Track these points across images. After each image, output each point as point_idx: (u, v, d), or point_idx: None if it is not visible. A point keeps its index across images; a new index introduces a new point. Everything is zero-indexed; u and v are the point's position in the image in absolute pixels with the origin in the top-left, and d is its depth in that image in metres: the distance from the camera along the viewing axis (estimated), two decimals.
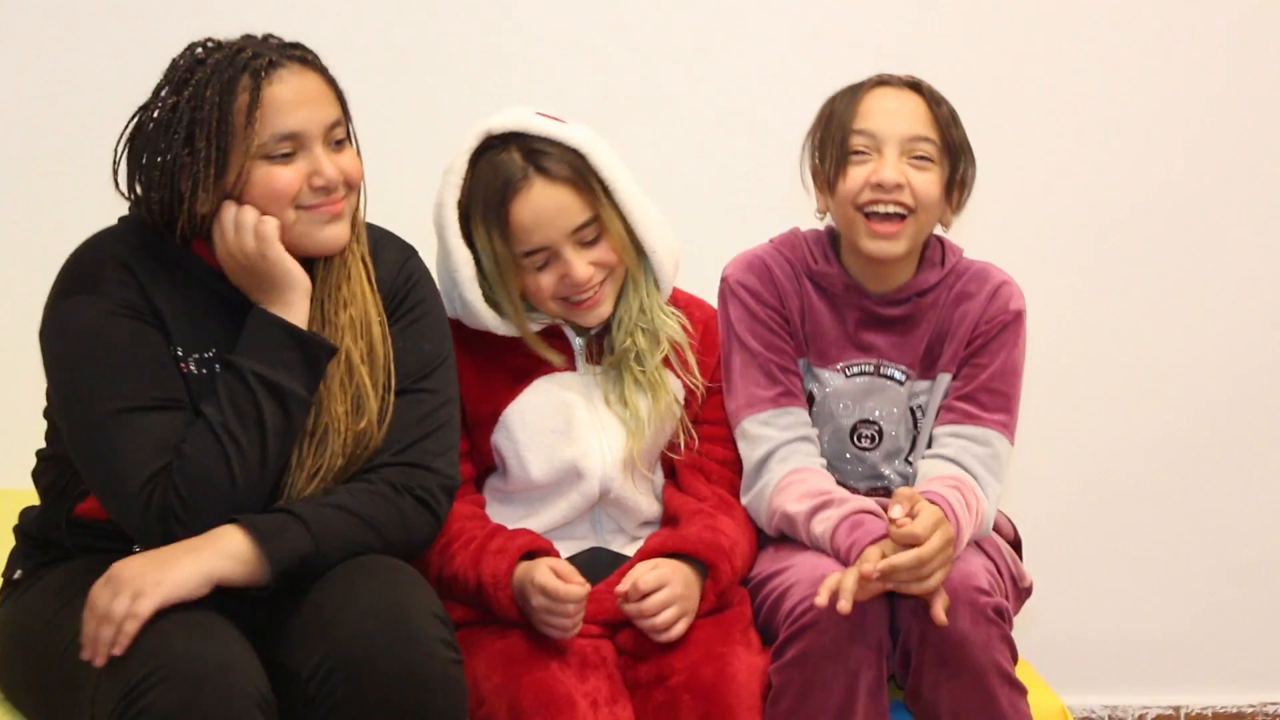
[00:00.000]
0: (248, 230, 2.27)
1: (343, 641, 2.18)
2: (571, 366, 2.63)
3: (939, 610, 2.36)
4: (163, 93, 2.29)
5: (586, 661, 2.43)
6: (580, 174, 2.51)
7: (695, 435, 2.65)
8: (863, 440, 2.67)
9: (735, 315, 2.67)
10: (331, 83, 2.35)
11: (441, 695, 2.20)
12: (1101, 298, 3.57)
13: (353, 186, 2.35)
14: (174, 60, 2.32)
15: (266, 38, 2.35)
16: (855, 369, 2.67)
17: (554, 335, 2.62)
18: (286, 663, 2.21)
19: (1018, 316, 2.67)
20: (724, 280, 2.71)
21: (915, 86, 2.64)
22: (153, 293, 2.30)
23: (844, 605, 2.33)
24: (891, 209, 2.58)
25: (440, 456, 2.39)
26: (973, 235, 2.84)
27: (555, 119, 2.56)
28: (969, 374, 2.64)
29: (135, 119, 2.31)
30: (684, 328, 2.63)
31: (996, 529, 2.69)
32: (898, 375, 2.66)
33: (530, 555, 2.47)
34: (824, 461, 2.64)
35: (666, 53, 3.42)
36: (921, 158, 2.59)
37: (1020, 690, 2.45)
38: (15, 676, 2.37)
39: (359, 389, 2.34)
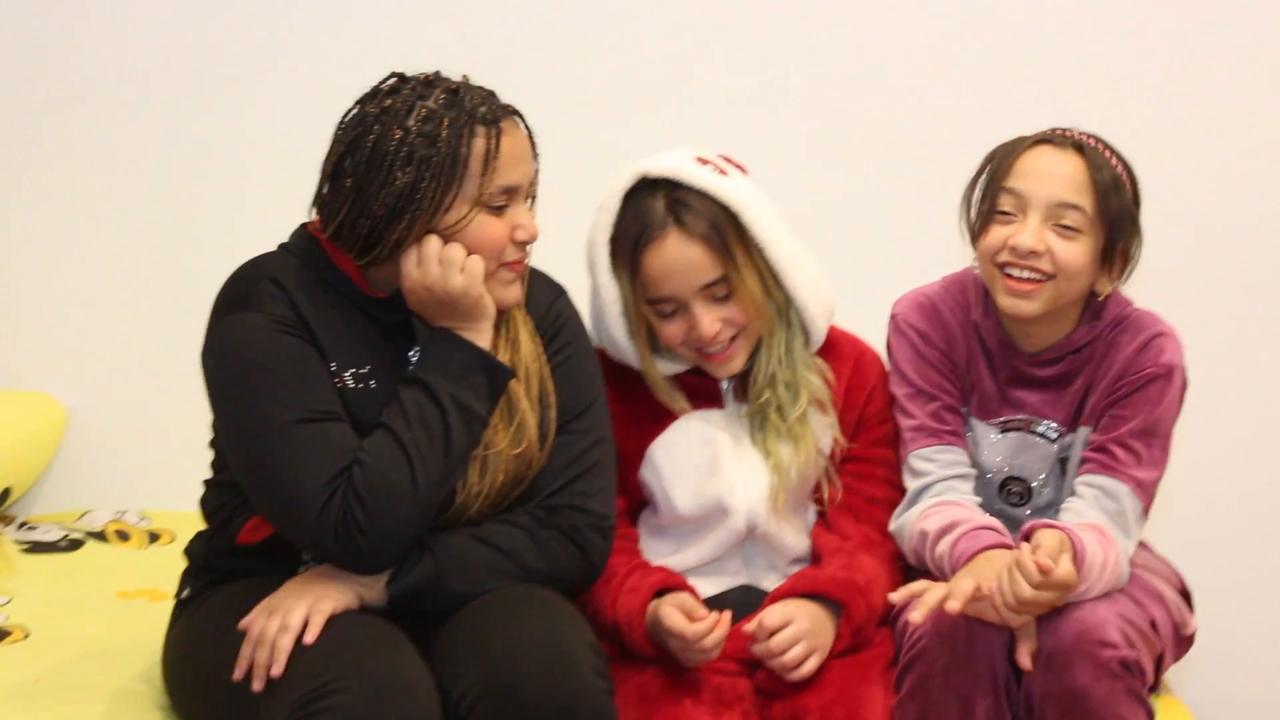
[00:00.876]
0: (455, 266, 2.31)
1: (496, 665, 2.23)
2: (719, 404, 2.63)
3: (1023, 655, 2.33)
4: (369, 125, 2.30)
5: (721, 699, 2.43)
6: (719, 232, 2.51)
7: (838, 483, 2.63)
8: (1011, 497, 2.61)
9: (903, 355, 2.63)
10: (533, 140, 2.40)
11: None
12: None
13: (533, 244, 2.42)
14: (377, 90, 2.35)
15: (468, 82, 2.37)
16: (1007, 425, 2.60)
17: (701, 372, 2.63)
18: (441, 683, 2.26)
19: (1169, 371, 2.53)
20: (893, 318, 2.67)
21: (1080, 147, 2.51)
22: (306, 311, 2.34)
23: (915, 616, 2.32)
24: (1027, 274, 2.51)
25: (593, 497, 2.43)
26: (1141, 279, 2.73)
27: (720, 166, 2.56)
28: (1108, 425, 2.53)
29: (345, 146, 2.32)
30: (826, 381, 2.62)
31: (1163, 575, 2.61)
32: (1049, 433, 2.58)
33: (665, 592, 2.48)
34: (978, 500, 2.59)
35: (843, 90, 3.44)
36: (1068, 226, 2.48)
37: None
38: (185, 689, 2.47)
39: (517, 412, 2.40)
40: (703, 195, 2.51)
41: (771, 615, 2.45)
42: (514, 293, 2.41)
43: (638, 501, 2.65)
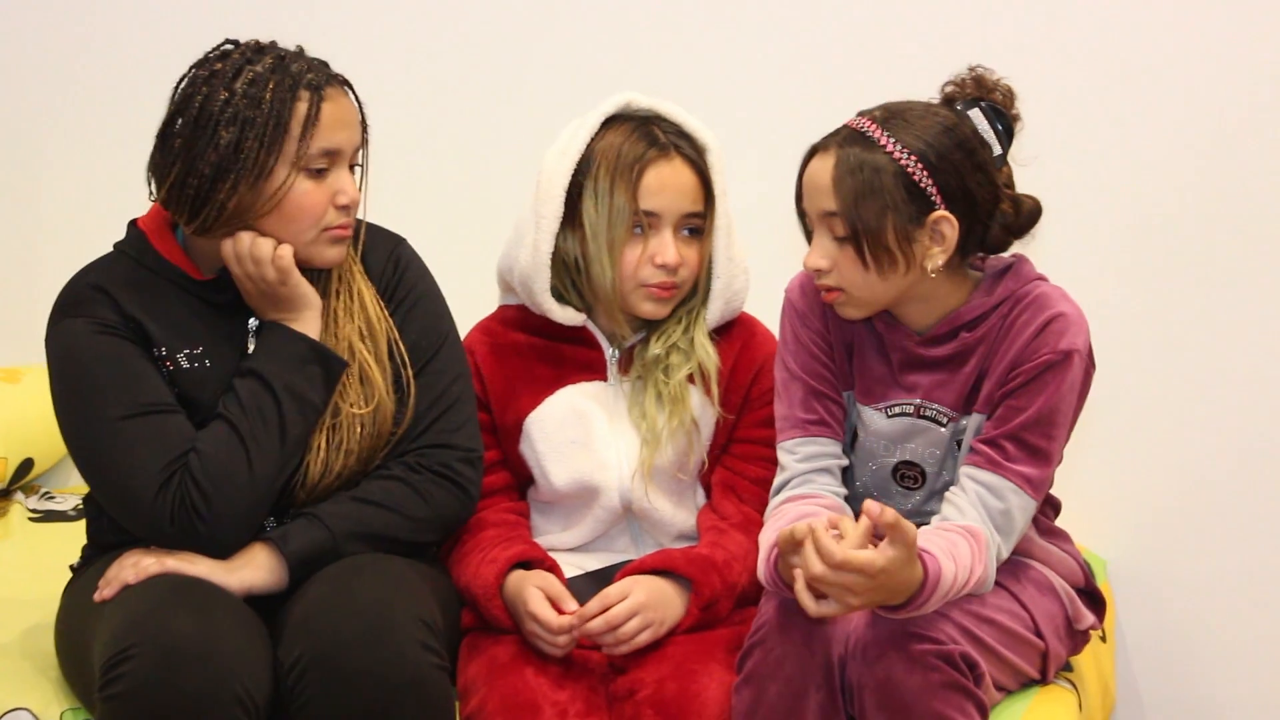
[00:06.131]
0: (266, 263, 2.39)
1: (320, 636, 2.26)
2: (602, 376, 2.63)
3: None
4: (198, 86, 2.37)
5: (569, 671, 2.42)
6: (705, 170, 2.59)
7: (706, 460, 2.62)
8: (906, 481, 2.51)
9: (784, 335, 2.56)
10: (361, 110, 2.46)
11: (416, 698, 2.25)
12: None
13: (356, 209, 2.47)
14: (208, 55, 2.42)
15: (300, 52, 2.44)
16: (896, 409, 2.48)
17: (589, 345, 2.63)
18: (277, 653, 2.30)
19: (1066, 357, 2.36)
20: (785, 292, 2.59)
21: (839, 144, 2.36)
22: (131, 308, 2.43)
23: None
24: (824, 290, 2.43)
25: (456, 432, 2.50)
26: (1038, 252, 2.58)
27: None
28: (1003, 415, 2.37)
29: (176, 107, 2.38)
30: (717, 364, 2.61)
31: (1060, 572, 2.53)
32: (940, 418, 2.46)
33: (525, 565, 2.49)
34: (841, 493, 2.50)
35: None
36: (839, 237, 2.37)
37: None
38: (59, 651, 2.55)
39: (365, 378, 2.46)
40: (685, 133, 2.59)
41: (611, 590, 2.44)
42: (337, 253, 2.45)
43: (524, 476, 2.65)
